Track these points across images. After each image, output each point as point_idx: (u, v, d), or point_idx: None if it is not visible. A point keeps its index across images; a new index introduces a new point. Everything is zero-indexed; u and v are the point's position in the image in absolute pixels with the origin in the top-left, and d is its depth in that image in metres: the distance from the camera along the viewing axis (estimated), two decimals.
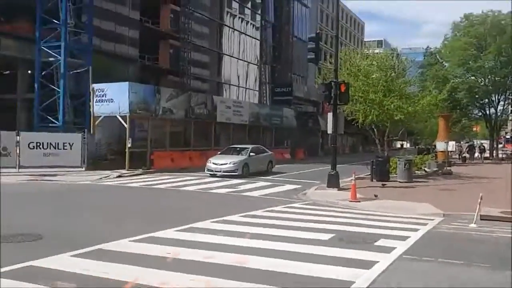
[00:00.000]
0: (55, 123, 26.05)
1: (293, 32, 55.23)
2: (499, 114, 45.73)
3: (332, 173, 17.53)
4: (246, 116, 34.89)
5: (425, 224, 10.62)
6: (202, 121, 30.14)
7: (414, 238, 9.00)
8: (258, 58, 49.49)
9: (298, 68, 57.30)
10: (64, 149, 22.72)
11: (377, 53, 26.21)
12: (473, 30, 41.93)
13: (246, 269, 6.58)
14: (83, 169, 22.64)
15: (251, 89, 48.74)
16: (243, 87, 47.60)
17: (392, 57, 23.71)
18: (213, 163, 21.66)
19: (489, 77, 42.81)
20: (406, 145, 79.00)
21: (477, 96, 43.81)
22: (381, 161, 20.48)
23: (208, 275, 6.18)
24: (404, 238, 8.89)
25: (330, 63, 26.69)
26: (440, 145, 30.37)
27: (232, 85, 45.99)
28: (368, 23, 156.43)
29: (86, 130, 24.05)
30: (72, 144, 22.87)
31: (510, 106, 52.53)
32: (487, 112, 45.66)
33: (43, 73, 26.48)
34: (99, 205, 13.25)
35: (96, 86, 24.56)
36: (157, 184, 18.32)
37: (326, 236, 8.84)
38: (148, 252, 7.34)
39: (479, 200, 10.96)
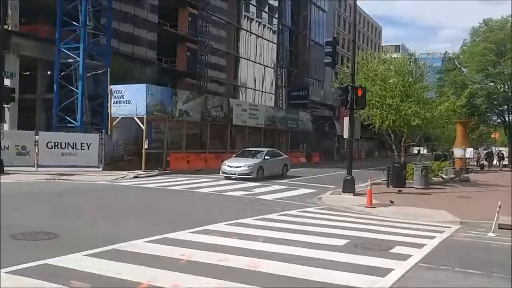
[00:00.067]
0: (73, 124, 26.37)
1: (310, 36, 55.18)
2: None
3: (348, 178, 17.40)
4: (262, 119, 34.89)
5: (441, 232, 10.46)
6: (218, 124, 30.25)
7: (430, 246, 8.87)
8: (275, 61, 49.50)
9: (314, 72, 57.17)
10: (81, 149, 23.02)
11: (395, 57, 25.95)
12: (493, 35, 41.33)
13: (259, 273, 6.55)
14: (100, 169, 22.88)
15: (267, 93, 48.77)
16: (259, 90, 47.65)
17: (410, 62, 23.49)
18: (228, 165, 21.69)
19: (509, 83, 42.11)
20: (423, 151, 78.25)
21: (496, 102, 43.17)
22: (397, 167, 20.29)
23: (221, 278, 6.17)
24: (420, 246, 8.76)
25: (347, 67, 26.58)
26: (457, 152, 29.97)
27: (248, 88, 46.07)
28: (385, 27, 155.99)
29: (103, 130, 24.33)
30: (90, 144, 23.15)
31: None
32: (506, 118, 44.94)
33: (62, 74, 26.85)
34: (115, 205, 13.37)
35: (114, 87, 24.84)
36: (172, 185, 18.41)
37: (340, 242, 8.77)
38: (163, 253, 7.36)
39: (497, 209, 10.76)
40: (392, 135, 22.58)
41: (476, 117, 42.57)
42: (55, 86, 26.98)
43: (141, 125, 23.96)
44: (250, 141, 32.82)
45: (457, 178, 24.84)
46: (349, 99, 17.20)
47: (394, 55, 29.64)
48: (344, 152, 39.05)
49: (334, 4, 67.56)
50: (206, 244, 8.17)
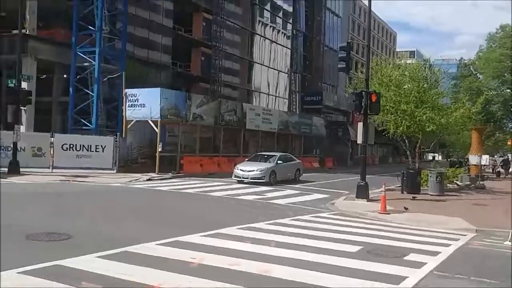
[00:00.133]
0: (88, 126, 26.65)
1: (324, 41, 55.09)
2: None
3: (361, 183, 17.26)
4: (275, 124, 34.85)
5: (457, 240, 10.29)
6: (231, 128, 30.29)
7: (445, 254, 8.71)
8: (289, 66, 49.50)
9: (328, 77, 57.03)
10: (96, 151, 23.22)
11: (409, 63, 25.74)
12: (509, 41, 40.77)
13: (270, 278, 6.49)
14: (114, 171, 23.04)
15: (280, 97, 48.76)
16: (273, 95, 47.66)
17: (425, 67, 23.27)
18: (240, 169, 21.67)
19: None
20: (438, 157, 77.39)
21: None
22: (412, 173, 20.07)
23: (231, 282, 6.12)
24: (435, 254, 8.62)
25: (361, 72, 26.47)
26: (473, 159, 29.52)
27: (262, 93, 46.12)
28: (400, 33, 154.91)
29: (118, 133, 24.53)
30: (104, 147, 23.36)
31: None
32: None
33: (78, 77, 27.19)
34: (127, 207, 13.42)
35: (128, 91, 25.03)
36: (185, 188, 18.45)
37: (353, 248, 8.66)
38: (174, 256, 7.35)
39: None
40: (406, 141, 22.36)
41: (492, 123, 41.99)
42: (71, 89, 27.32)
43: (155, 128, 24.10)
44: (263, 145, 32.81)
45: (473, 185, 24.49)
46: (363, 104, 17.09)
47: (408, 61, 29.41)
48: (357, 157, 38.83)
49: (349, 9, 67.41)
50: (218, 248, 8.14)
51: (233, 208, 14.40)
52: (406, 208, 14.67)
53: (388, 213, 13.69)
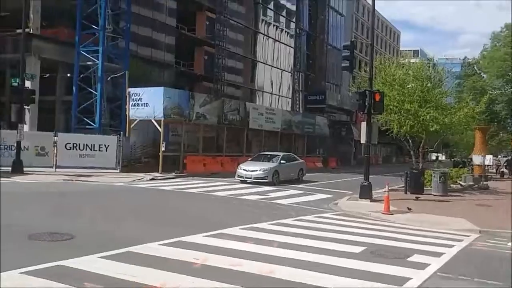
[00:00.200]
0: (92, 125, 26.69)
1: (327, 40, 55.02)
2: None
3: (365, 183, 17.21)
4: (278, 123, 34.82)
5: (460, 241, 10.25)
6: (234, 127, 30.28)
7: (449, 255, 8.67)
8: (292, 65, 49.45)
9: (332, 76, 56.97)
10: (99, 150, 23.24)
11: (413, 62, 25.65)
12: None
13: (272, 279, 6.47)
14: (118, 171, 23.06)
15: (284, 97, 48.72)
16: (276, 94, 47.63)
17: (428, 67, 23.19)
18: (243, 169, 21.65)
19: None
20: (442, 157, 77.18)
21: None
22: (415, 173, 20.01)
23: (234, 283, 6.11)
24: (438, 255, 8.58)
25: (365, 71, 26.41)
26: (476, 159, 29.41)
27: (265, 92, 46.10)
28: (404, 32, 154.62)
29: (121, 133, 24.56)
30: (108, 146, 23.38)
31: None
32: None
33: (81, 77, 27.24)
34: (130, 207, 13.42)
35: (132, 90, 25.05)
36: (188, 188, 18.44)
37: (357, 249, 8.63)
38: (177, 257, 7.34)
39: None
40: (410, 141, 22.29)
41: (496, 123, 41.82)
42: (74, 88, 27.38)
43: (158, 127, 24.12)
44: (266, 145, 32.78)
45: (476, 186, 24.40)
46: (366, 103, 17.04)
47: (412, 60, 29.32)
48: (361, 157, 38.66)
49: (352, 8, 67.27)
50: (221, 248, 8.12)
51: (236, 208, 14.38)
52: (409, 209, 14.63)
53: (392, 214, 13.64)
